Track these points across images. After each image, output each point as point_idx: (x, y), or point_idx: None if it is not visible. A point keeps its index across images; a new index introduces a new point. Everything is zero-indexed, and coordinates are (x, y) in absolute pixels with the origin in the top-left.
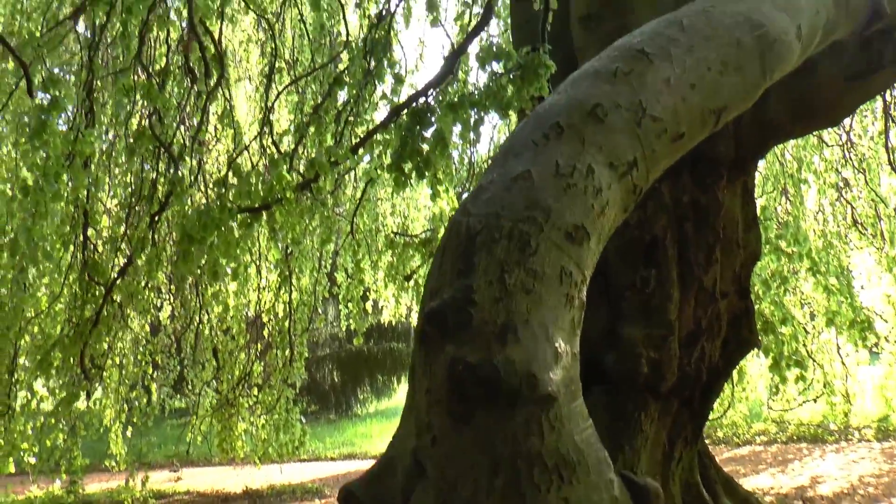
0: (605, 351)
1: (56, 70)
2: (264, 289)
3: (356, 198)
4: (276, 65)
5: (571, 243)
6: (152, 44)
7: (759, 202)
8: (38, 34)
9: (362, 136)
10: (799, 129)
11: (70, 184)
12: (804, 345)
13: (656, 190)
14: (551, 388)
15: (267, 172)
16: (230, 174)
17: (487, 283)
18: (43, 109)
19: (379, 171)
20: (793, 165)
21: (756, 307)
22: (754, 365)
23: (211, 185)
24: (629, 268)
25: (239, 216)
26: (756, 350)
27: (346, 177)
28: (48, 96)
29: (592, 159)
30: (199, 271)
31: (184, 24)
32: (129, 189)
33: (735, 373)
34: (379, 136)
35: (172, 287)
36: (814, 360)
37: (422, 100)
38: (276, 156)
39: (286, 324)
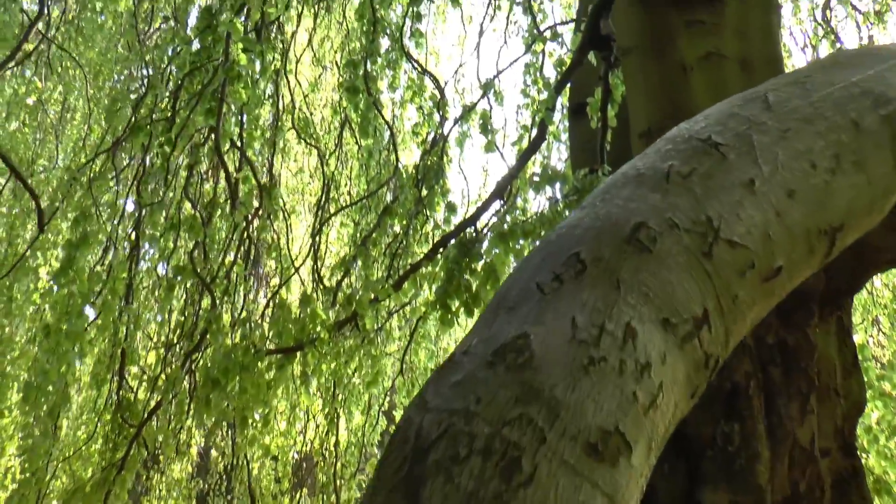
0: None
1: (126, 201)
2: (318, 427)
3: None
4: (331, 195)
5: (597, 461)
6: (200, 175)
7: (855, 339)
8: (87, 166)
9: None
10: None
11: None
12: None
13: None
14: None
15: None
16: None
17: None
18: (72, 245)
19: (424, 308)
20: (883, 293)
21: (863, 461)
22: None
23: (240, 325)
24: (708, 421)
25: (270, 358)
26: None
27: (401, 312)
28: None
29: (633, 314)
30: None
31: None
32: (168, 326)
33: None
34: (425, 270)
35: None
36: None
37: (470, 229)
38: (318, 291)
39: (333, 467)
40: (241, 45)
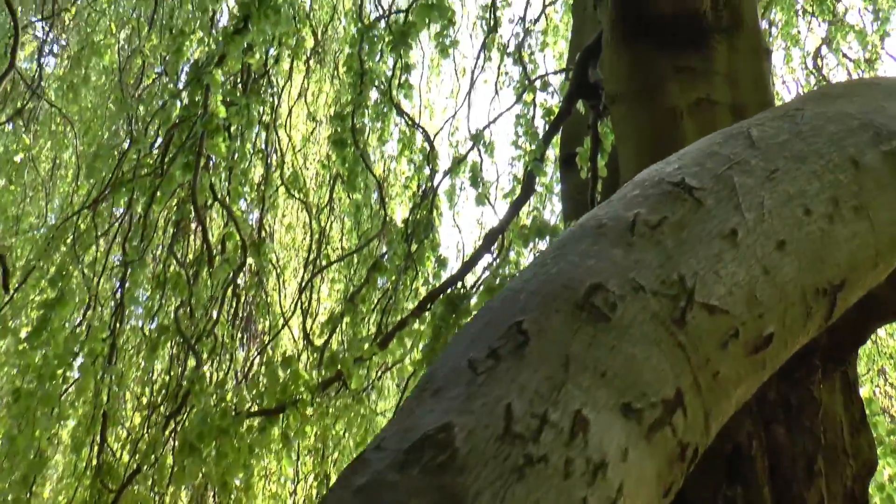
0: None
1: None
2: (309, 489)
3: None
4: (324, 250)
5: None
6: (186, 231)
7: (862, 392)
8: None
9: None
10: None
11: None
12: None
13: None
14: None
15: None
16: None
17: None
18: (47, 305)
19: (412, 367)
20: (888, 343)
21: None
22: None
23: (217, 387)
24: (708, 485)
25: (251, 420)
26: None
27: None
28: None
29: (585, 399)
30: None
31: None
32: (152, 387)
33: None
34: (413, 327)
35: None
36: None
37: (459, 284)
38: (307, 350)
39: None
40: (219, 98)
